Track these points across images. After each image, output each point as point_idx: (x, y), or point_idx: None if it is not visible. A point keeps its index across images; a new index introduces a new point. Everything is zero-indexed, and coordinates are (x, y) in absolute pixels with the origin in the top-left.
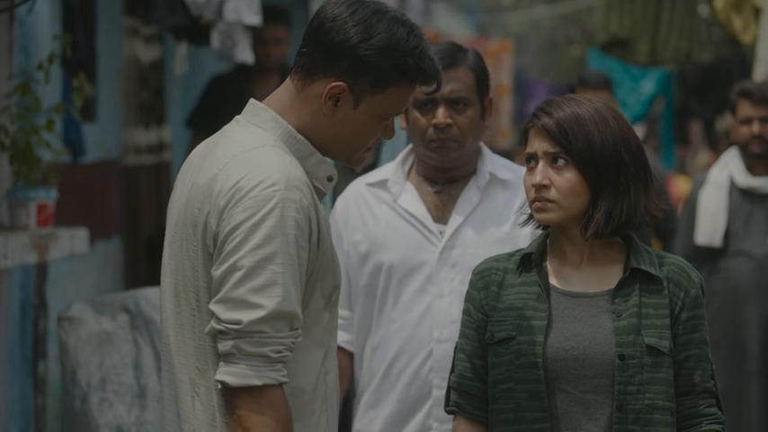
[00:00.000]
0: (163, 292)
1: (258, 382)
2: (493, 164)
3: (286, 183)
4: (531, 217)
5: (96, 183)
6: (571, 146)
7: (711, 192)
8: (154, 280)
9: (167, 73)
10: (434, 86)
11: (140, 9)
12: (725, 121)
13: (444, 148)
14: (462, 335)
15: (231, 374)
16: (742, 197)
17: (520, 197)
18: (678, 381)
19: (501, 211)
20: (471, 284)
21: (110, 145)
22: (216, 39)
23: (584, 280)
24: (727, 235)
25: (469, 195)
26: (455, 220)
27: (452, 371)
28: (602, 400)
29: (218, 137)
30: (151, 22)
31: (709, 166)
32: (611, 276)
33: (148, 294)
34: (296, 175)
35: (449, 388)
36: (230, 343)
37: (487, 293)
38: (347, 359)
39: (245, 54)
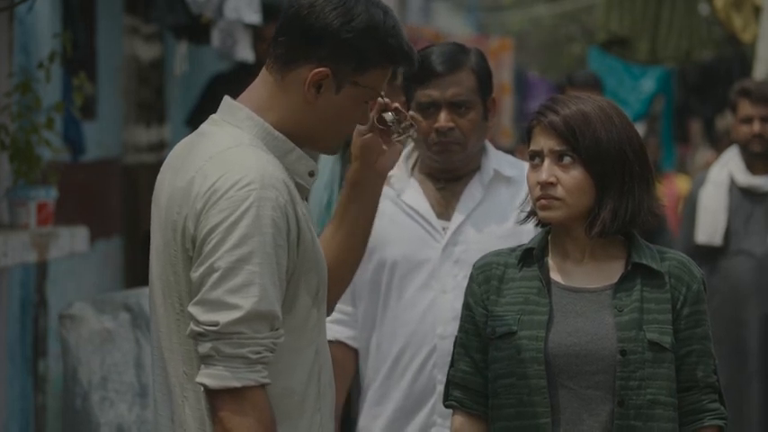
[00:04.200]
0: (152, 294)
1: (237, 384)
2: (497, 160)
3: (261, 181)
4: (530, 214)
5: (96, 181)
6: (578, 143)
7: (711, 191)
8: None
9: (167, 72)
10: (412, 66)
11: (140, 8)
12: (725, 120)
13: (447, 152)
14: (462, 329)
15: (210, 377)
16: (742, 196)
17: (523, 194)
18: (680, 376)
19: (504, 208)
20: (472, 278)
21: (110, 144)
22: (216, 37)
23: (585, 275)
24: (728, 234)
25: (473, 192)
26: (458, 216)
27: (451, 365)
28: (604, 396)
29: (195, 137)
30: (151, 21)
31: (710, 164)
32: (612, 271)
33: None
34: (272, 173)
35: (448, 382)
36: (209, 345)
37: (488, 288)
38: (351, 356)
39: (245, 53)
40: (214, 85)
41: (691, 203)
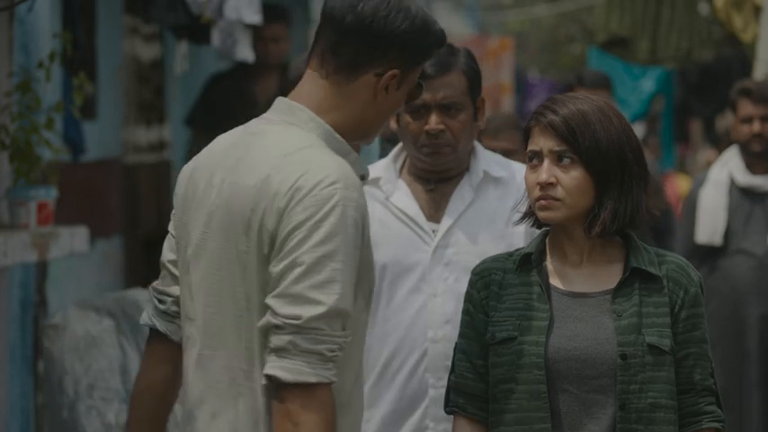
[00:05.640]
0: (193, 294)
1: (313, 380)
2: (486, 161)
3: (344, 182)
4: (525, 215)
5: (96, 181)
6: (578, 144)
7: (711, 190)
8: (153, 278)
9: (167, 71)
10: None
11: (140, 7)
12: (725, 120)
13: (437, 154)
14: (462, 335)
15: (285, 369)
16: (742, 196)
17: (513, 195)
18: (678, 379)
19: (495, 209)
20: (471, 284)
21: (110, 143)
22: (216, 37)
23: (584, 280)
24: (728, 233)
25: (462, 194)
26: (448, 218)
27: (452, 371)
28: (605, 400)
29: (246, 136)
30: (151, 20)
31: (711, 164)
32: (611, 276)
33: (132, 297)
34: (350, 174)
35: (448, 388)
36: (287, 338)
37: (488, 293)
38: None
39: (245, 52)
40: (213, 84)
41: (691, 203)
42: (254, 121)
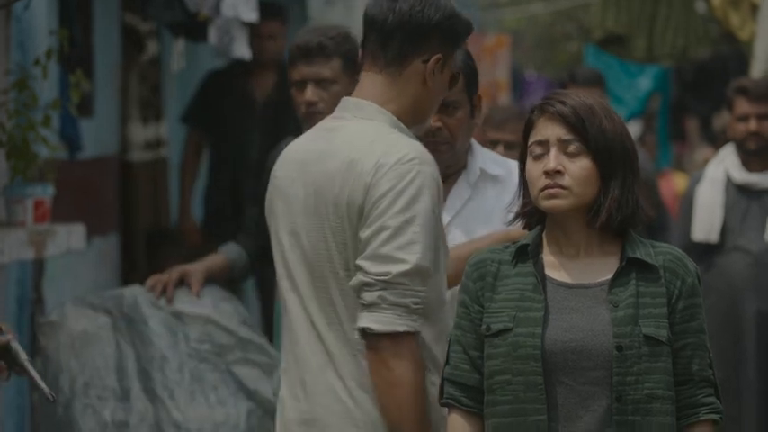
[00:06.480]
0: (295, 278)
1: (401, 329)
2: (483, 159)
3: (421, 158)
4: (517, 216)
5: (93, 179)
6: (587, 132)
7: (708, 188)
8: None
9: (164, 69)
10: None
11: (137, 5)
12: (722, 118)
13: (435, 152)
14: (457, 326)
15: (377, 321)
16: (738, 193)
17: (510, 192)
18: (676, 370)
19: (492, 207)
20: (466, 275)
21: (107, 141)
22: (213, 35)
23: (580, 271)
24: (724, 231)
25: (460, 191)
26: (445, 215)
27: (447, 362)
28: (601, 392)
29: (322, 133)
30: (148, 18)
31: (708, 162)
32: (607, 267)
33: (130, 294)
34: (426, 153)
35: (443, 379)
36: (376, 293)
37: (483, 284)
38: None
39: (242, 50)
40: (210, 82)
41: (687, 201)
42: (325, 120)
